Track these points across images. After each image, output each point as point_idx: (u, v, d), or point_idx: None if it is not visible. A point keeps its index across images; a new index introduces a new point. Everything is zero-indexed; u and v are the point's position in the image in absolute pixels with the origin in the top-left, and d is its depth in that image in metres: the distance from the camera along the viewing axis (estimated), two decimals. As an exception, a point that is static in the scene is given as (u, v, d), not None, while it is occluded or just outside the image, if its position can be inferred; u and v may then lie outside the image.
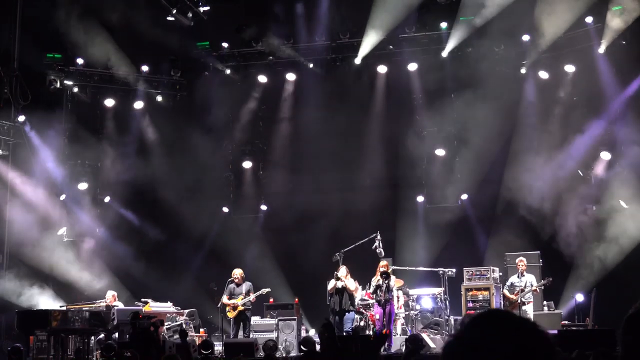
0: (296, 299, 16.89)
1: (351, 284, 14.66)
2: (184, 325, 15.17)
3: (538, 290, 15.31)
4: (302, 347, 14.03)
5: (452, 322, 15.91)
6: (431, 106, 18.85)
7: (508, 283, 15.49)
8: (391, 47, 19.06)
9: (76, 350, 14.57)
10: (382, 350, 12.94)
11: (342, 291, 14.55)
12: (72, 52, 19.35)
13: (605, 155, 17.52)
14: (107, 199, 20.03)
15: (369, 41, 18.69)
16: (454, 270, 15.67)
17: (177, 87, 20.57)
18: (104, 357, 12.89)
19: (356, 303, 14.98)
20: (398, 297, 15.16)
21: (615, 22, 16.66)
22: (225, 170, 20.39)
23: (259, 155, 20.52)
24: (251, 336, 15.09)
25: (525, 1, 17.13)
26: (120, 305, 15.74)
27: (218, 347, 14.81)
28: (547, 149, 17.74)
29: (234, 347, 13.87)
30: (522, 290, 14.98)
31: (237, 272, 15.59)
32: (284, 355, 15.07)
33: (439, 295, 15.88)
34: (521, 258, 15.56)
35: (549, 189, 17.62)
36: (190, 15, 18.42)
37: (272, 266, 19.05)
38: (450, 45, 18.42)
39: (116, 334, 14.68)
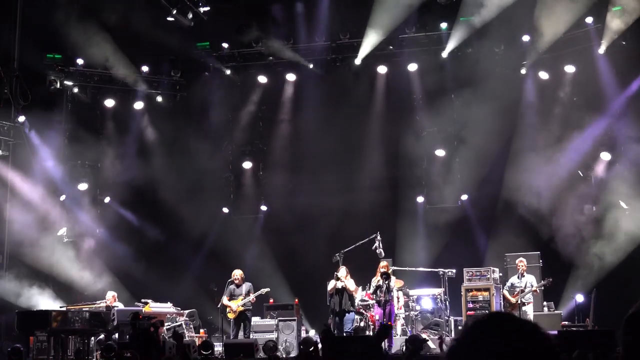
0: (296, 300, 16.88)
1: (351, 284, 14.65)
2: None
3: (538, 290, 15.32)
4: (301, 347, 14.05)
5: (452, 322, 15.92)
6: (431, 106, 18.85)
7: (508, 284, 15.49)
8: (391, 47, 19.07)
9: (76, 351, 14.57)
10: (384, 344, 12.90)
11: (342, 292, 14.55)
12: (72, 53, 19.35)
13: (605, 156, 17.53)
14: (107, 200, 20.04)
15: (369, 41, 18.69)
16: (454, 270, 15.67)
17: (177, 87, 20.59)
18: (104, 358, 12.89)
19: (356, 304, 14.98)
20: (398, 298, 15.16)
21: (615, 22, 16.67)
22: (225, 171, 20.39)
23: (259, 155, 20.53)
24: (251, 337, 15.08)
25: (525, 2, 17.13)
26: (120, 306, 15.73)
27: (218, 348, 14.82)
28: (547, 149, 17.74)
29: (234, 348, 13.87)
30: (522, 291, 14.98)
31: (237, 273, 15.59)
32: (284, 355, 15.07)
33: (439, 296, 15.88)
34: (521, 259, 15.56)
35: (549, 190, 17.62)
36: (190, 15, 18.42)
37: (272, 267, 19.05)
38: (451, 45, 18.42)
39: (116, 335, 14.66)
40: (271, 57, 19.65)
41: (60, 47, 19.26)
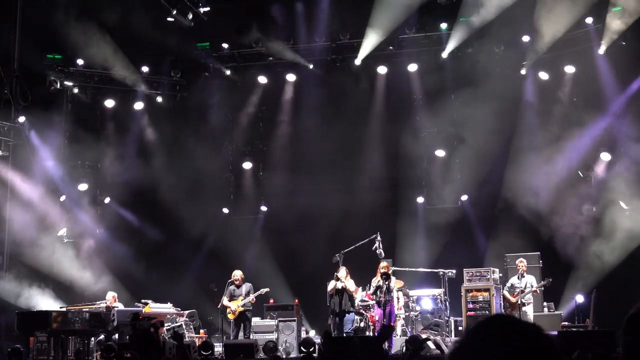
0: (296, 300, 16.88)
1: (351, 285, 14.65)
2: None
3: (538, 291, 15.32)
4: (302, 348, 14.05)
5: (452, 323, 15.92)
6: (431, 107, 18.85)
7: (508, 284, 15.49)
8: (391, 47, 19.07)
9: (76, 352, 14.57)
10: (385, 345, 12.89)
11: (342, 292, 14.54)
12: (72, 53, 19.35)
13: (605, 156, 17.53)
14: (107, 200, 20.04)
15: (369, 42, 18.68)
16: (454, 271, 15.66)
17: (177, 87, 20.59)
18: (104, 358, 12.90)
19: (356, 304, 14.97)
20: (398, 298, 15.15)
21: (615, 23, 16.68)
22: (225, 171, 20.39)
23: (259, 156, 20.53)
24: (251, 337, 15.08)
25: (525, 2, 17.12)
26: (121, 306, 15.73)
27: (218, 348, 14.82)
28: (547, 149, 17.74)
29: (234, 348, 13.88)
30: (522, 291, 14.98)
31: (237, 274, 15.59)
32: (284, 356, 15.07)
33: (439, 296, 15.87)
34: (521, 259, 15.56)
35: (548, 190, 17.63)
36: (190, 16, 18.42)
37: (272, 267, 19.05)
38: (451, 46, 18.42)
39: (116, 335, 14.66)
40: (271, 58, 19.65)
41: (60, 48, 19.26)
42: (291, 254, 18.90)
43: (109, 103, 20.12)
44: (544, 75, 18.21)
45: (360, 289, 15.25)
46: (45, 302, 17.71)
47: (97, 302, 16.27)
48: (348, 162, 19.43)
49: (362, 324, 15.23)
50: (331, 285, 14.69)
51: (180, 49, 19.65)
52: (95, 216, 19.76)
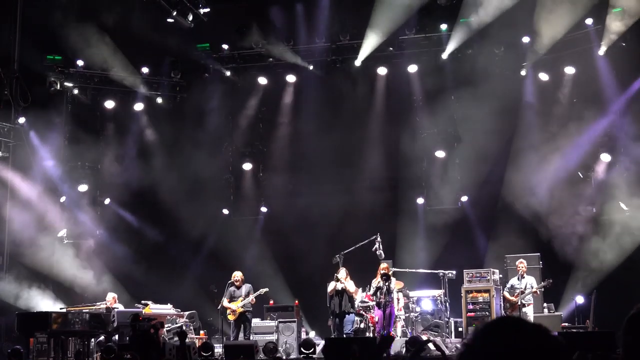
0: (296, 301, 16.88)
1: (351, 286, 14.65)
2: (184, 327, 15.15)
3: (538, 292, 15.31)
4: (302, 349, 14.06)
5: (452, 324, 15.92)
6: (431, 108, 18.85)
7: (508, 285, 15.49)
8: (391, 48, 19.06)
9: (76, 353, 14.57)
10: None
11: (342, 293, 14.54)
12: (72, 54, 19.35)
13: (605, 157, 17.53)
14: (107, 201, 20.04)
15: (369, 43, 18.68)
16: (454, 272, 15.66)
17: (177, 88, 20.60)
18: (104, 359, 12.89)
19: (356, 305, 14.97)
20: (398, 299, 15.14)
21: (615, 24, 16.68)
22: (225, 172, 20.39)
23: (259, 157, 20.53)
24: (251, 338, 15.08)
25: (526, 3, 17.13)
26: (121, 307, 15.73)
27: (218, 350, 14.82)
28: (547, 150, 17.74)
29: (234, 350, 13.87)
30: (522, 292, 14.98)
31: (237, 275, 15.59)
32: (284, 357, 15.07)
33: (439, 297, 15.87)
34: (521, 260, 15.56)
35: (548, 191, 17.62)
36: (190, 17, 18.43)
37: (272, 268, 19.04)
38: (451, 47, 18.42)
39: (116, 336, 14.67)
40: (271, 59, 19.66)
41: (60, 49, 19.25)
42: (291, 255, 18.89)
43: (109, 104, 20.13)
44: (544, 76, 18.22)
45: (360, 290, 15.25)
46: (45, 303, 17.71)
47: (97, 303, 16.26)
48: (348, 163, 19.43)
49: (362, 325, 15.23)
50: (331, 286, 14.69)
51: (180, 50, 19.66)
52: (95, 217, 19.76)
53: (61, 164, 19.54)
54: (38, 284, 18.10)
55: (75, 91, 19.88)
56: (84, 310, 15.46)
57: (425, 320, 16.07)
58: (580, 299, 15.67)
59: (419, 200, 19.25)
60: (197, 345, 14.21)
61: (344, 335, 14.16)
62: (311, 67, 19.58)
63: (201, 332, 16.80)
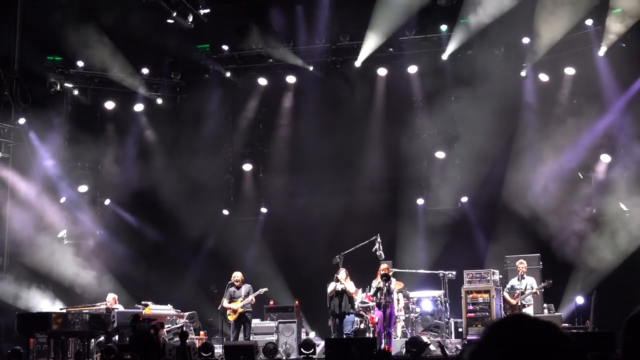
0: (296, 302, 16.87)
1: (351, 286, 14.65)
2: (184, 328, 15.14)
3: (538, 292, 15.32)
4: (302, 349, 14.06)
5: (452, 324, 15.92)
6: (431, 108, 18.86)
7: (508, 285, 15.49)
8: (391, 49, 19.06)
9: (76, 353, 14.57)
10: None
11: (342, 294, 14.53)
12: (72, 55, 19.35)
13: (605, 158, 17.53)
14: (107, 201, 20.05)
15: (369, 44, 18.68)
16: (454, 272, 15.67)
17: (177, 89, 20.61)
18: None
19: (356, 306, 14.97)
20: (398, 300, 15.15)
21: (615, 25, 16.69)
22: (225, 173, 20.40)
23: (259, 157, 20.54)
24: (251, 339, 15.08)
25: (526, 4, 17.13)
26: (121, 308, 15.73)
27: (218, 350, 14.82)
28: (547, 151, 17.74)
29: (234, 350, 13.88)
30: (522, 293, 14.99)
31: (237, 275, 15.60)
32: (284, 358, 15.07)
33: (439, 298, 15.87)
34: (521, 260, 15.56)
35: (549, 192, 17.62)
36: (190, 17, 18.42)
37: (272, 269, 19.04)
38: (451, 47, 18.41)
39: (116, 337, 14.67)
40: (271, 60, 19.66)
41: (60, 49, 19.25)
42: (291, 256, 18.90)
43: (109, 105, 20.13)
44: (544, 77, 18.22)
45: (360, 290, 15.25)
46: (45, 303, 17.71)
47: (97, 304, 16.27)
48: (348, 164, 19.43)
49: (362, 326, 15.23)
50: (331, 286, 14.69)
51: (180, 50, 19.67)
52: (95, 217, 19.77)
53: (61, 165, 19.55)
54: (38, 284, 18.09)
55: (75, 92, 19.89)
56: (84, 311, 15.47)
57: (426, 321, 16.08)
58: (580, 300, 15.67)
59: (419, 200, 19.26)
60: (197, 346, 14.22)
61: (344, 336, 14.15)
62: (311, 68, 19.58)
63: (201, 332, 16.81)
